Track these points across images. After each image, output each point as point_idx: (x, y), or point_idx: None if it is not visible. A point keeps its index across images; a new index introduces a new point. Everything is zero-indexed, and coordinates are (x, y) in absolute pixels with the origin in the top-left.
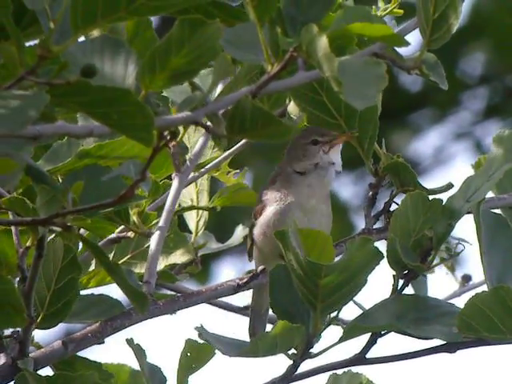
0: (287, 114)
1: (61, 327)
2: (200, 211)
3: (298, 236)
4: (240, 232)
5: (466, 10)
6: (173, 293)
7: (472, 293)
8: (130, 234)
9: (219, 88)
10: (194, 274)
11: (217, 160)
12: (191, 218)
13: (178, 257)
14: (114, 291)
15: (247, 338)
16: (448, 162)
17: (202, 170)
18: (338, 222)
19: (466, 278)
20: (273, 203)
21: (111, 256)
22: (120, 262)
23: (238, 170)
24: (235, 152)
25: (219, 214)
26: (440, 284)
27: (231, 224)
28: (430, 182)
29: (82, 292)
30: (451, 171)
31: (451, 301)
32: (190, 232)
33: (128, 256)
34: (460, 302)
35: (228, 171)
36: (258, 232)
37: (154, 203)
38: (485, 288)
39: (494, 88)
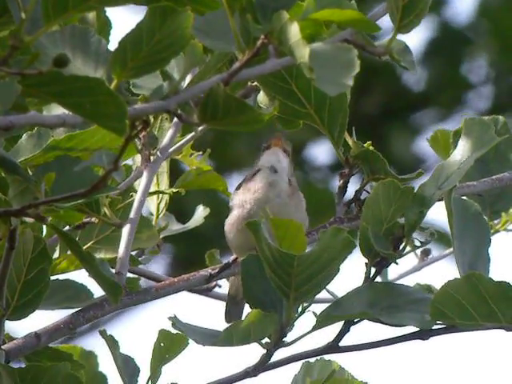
0: (257, 103)
1: None
2: (161, 194)
3: (269, 226)
4: (200, 213)
5: (471, 9)
6: (135, 276)
7: (431, 267)
8: (94, 220)
9: (190, 76)
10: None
11: (179, 143)
12: (152, 201)
13: (144, 241)
14: (79, 278)
15: (217, 324)
16: None
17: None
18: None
19: (426, 252)
20: (238, 204)
21: None
22: (84, 248)
23: (200, 152)
24: (198, 135)
25: (179, 196)
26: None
27: (191, 205)
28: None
29: None
30: None
31: (411, 275)
32: (151, 214)
33: (92, 241)
34: (420, 277)
35: (191, 153)
36: (226, 229)
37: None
38: (444, 262)
39: (499, 87)
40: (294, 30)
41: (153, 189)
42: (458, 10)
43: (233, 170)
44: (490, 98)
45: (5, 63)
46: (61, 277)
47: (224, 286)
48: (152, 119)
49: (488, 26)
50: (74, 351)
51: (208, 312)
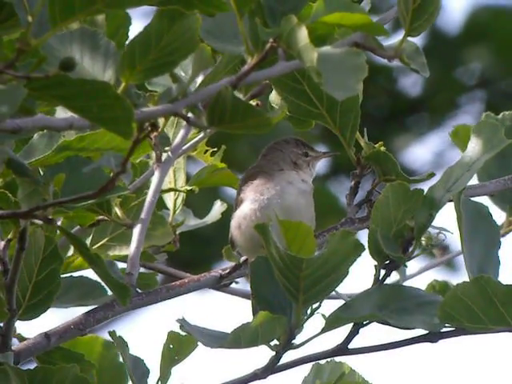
0: (269, 103)
1: None
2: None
3: (278, 228)
4: (218, 208)
5: (464, 15)
6: (151, 271)
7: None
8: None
9: (199, 79)
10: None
11: (193, 140)
12: (169, 197)
13: (158, 239)
14: (93, 275)
15: (231, 323)
16: (447, 165)
17: (180, 150)
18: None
19: (444, 248)
20: (251, 197)
21: (89, 239)
22: (98, 245)
23: (215, 149)
24: (211, 134)
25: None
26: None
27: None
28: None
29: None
30: None
31: (429, 271)
32: (168, 209)
33: (106, 239)
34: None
35: (205, 150)
36: (233, 224)
37: (132, 185)
38: (461, 257)
39: (493, 91)
40: (303, 34)
41: (170, 185)
42: (451, 14)
43: (233, 171)
44: (484, 102)
45: (11, 66)
46: (75, 274)
47: (241, 282)
48: (163, 119)
49: (481, 31)
50: (95, 342)
51: (219, 314)
